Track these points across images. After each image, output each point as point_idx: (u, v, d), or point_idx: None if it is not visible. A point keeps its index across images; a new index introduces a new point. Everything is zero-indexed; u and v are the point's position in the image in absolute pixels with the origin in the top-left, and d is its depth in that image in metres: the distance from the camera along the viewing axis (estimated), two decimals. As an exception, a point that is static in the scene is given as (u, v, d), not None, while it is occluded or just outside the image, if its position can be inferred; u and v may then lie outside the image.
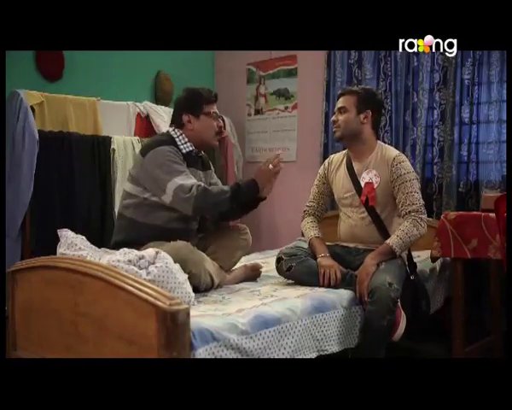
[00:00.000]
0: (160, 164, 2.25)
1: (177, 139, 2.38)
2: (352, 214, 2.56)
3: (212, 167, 2.63)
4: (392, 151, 2.57)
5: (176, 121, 2.44)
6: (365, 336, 2.23)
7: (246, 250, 2.59)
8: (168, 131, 2.44)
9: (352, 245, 2.57)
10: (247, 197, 2.30)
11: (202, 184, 2.25)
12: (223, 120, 4.11)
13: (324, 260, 2.42)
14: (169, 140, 2.36)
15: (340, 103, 2.58)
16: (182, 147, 2.37)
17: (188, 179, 2.24)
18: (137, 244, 2.14)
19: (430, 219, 3.20)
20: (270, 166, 2.28)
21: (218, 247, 2.44)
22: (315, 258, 2.47)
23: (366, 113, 2.54)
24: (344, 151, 2.71)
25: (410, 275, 2.46)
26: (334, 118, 2.60)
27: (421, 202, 2.46)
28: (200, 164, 2.51)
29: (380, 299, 2.18)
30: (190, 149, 2.39)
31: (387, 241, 2.38)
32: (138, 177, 2.33)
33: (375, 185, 2.49)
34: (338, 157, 2.71)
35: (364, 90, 2.60)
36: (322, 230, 2.64)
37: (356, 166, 2.57)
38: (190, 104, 2.41)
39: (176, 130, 2.41)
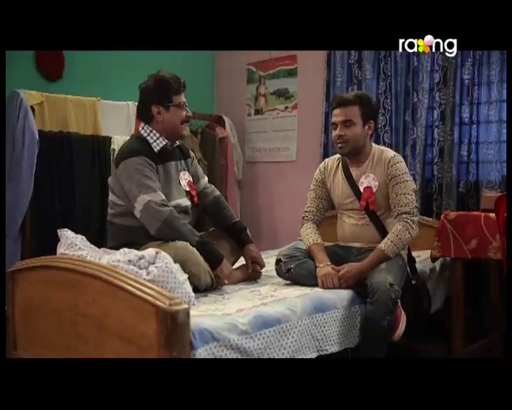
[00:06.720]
0: (130, 177, 2.24)
1: (148, 138, 2.36)
2: (353, 215, 2.55)
3: (191, 155, 2.60)
4: (389, 152, 2.54)
5: (144, 114, 2.40)
6: (365, 336, 2.23)
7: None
8: (139, 132, 2.40)
9: (352, 245, 2.55)
10: (206, 258, 2.23)
11: (175, 213, 2.23)
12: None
13: (323, 270, 2.37)
14: (140, 145, 2.33)
15: (342, 116, 2.44)
16: (154, 144, 2.35)
17: (157, 197, 2.22)
18: (133, 246, 2.11)
19: (430, 219, 3.22)
20: (226, 281, 2.29)
21: (218, 247, 2.44)
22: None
23: (370, 123, 2.49)
24: (338, 156, 2.64)
25: (412, 277, 2.46)
26: (339, 132, 2.45)
27: (414, 203, 2.44)
28: (178, 155, 2.49)
29: (380, 299, 2.17)
30: (163, 143, 2.37)
31: (380, 246, 2.36)
32: (114, 187, 2.34)
33: (374, 189, 2.47)
34: (332, 162, 2.65)
35: (363, 100, 2.49)
36: (322, 229, 2.63)
37: (354, 172, 2.54)
38: (159, 95, 2.36)
39: (145, 127, 2.38)
